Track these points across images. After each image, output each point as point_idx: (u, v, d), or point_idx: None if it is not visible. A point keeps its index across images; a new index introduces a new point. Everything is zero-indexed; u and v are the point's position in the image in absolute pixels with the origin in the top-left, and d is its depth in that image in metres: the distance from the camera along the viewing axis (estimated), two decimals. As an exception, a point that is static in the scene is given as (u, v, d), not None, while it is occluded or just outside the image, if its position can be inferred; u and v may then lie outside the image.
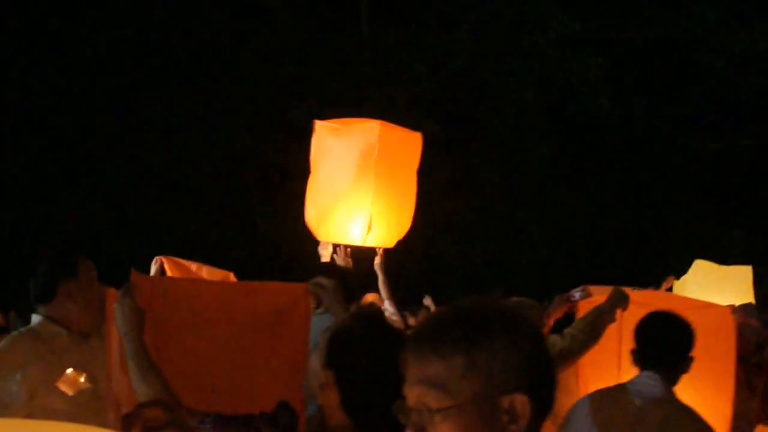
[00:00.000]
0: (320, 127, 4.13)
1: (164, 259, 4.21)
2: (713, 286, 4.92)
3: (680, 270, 5.37)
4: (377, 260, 3.99)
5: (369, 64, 11.82)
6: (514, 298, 3.61)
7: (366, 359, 1.78)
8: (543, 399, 1.17)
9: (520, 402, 1.14)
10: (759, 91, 11.45)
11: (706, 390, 3.08)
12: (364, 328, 1.86)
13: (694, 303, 3.75)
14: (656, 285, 4.92)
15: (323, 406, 1.82)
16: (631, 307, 3.05)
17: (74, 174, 10.86)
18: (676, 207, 12.37)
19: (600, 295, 3.27)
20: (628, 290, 3.14)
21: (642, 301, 3.11)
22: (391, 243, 4.07)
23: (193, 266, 4.32)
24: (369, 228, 3.89)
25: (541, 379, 1.18)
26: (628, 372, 3.02)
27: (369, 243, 3.96)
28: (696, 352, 3.08)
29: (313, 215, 4.04)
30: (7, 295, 4.85)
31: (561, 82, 11.70)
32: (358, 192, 3.95)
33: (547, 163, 11.88)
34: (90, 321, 2.76)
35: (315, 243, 4.11)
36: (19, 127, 10.63)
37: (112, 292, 2.43)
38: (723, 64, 11.58)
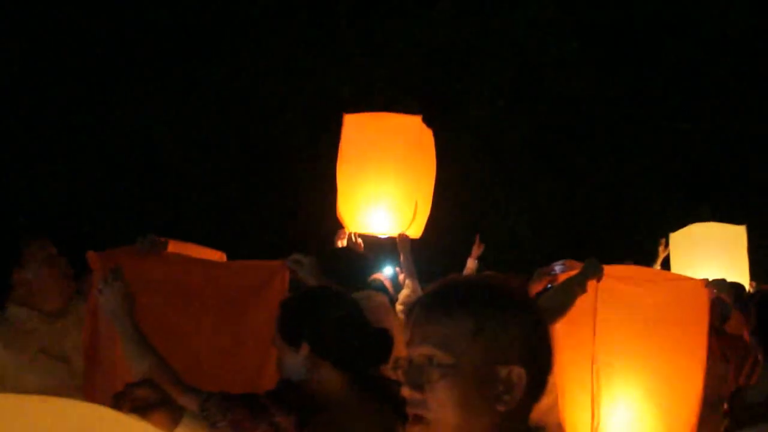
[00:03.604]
0: (351, 120, 4.20)
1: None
2: (709, 243, 5.00)
3: (653, 244, 5.46)
4: (401, 240, 4.06)
5: (348, 41, 11.76)
6: (488, 273, 3.64)
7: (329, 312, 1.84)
8: (538, 377, 1.21)
9: (517, 374, 1.18)
10: (730, 72, 11.59)
11: (679, 360, 3.12)
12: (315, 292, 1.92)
13: (669, 275, 3.81)
14: (632, 261, 4.99)
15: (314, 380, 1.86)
16: (607, 281, 3.07)
17: (52, 154, 10.73)
18: (649, 184, 12.52)
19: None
20: (604, 266, 3.16)
21: (617, 275, 3.14)
22: (420, 233, 4.19)
23: (191, 247, 4.31)
24: (414, 216, 4.01)
25: (539, 357, 1.22)
26: (603, 343, 3.05)
27: (411, 233, 4.07)
28: (670, 324, 3.13)
29: (345, 208, 4.13)
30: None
31: (536, 63, 11.73)
32: (399, 182, 4.06)
33: (523, 143, 11.94)
34: (56, 299, 2.74)
35: (304, 223, 4.21)
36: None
37: (93, 254, 2.41)
38: (694, 45, 11.68)
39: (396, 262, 4.86)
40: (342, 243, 4.13)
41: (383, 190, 4.14)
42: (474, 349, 1.18)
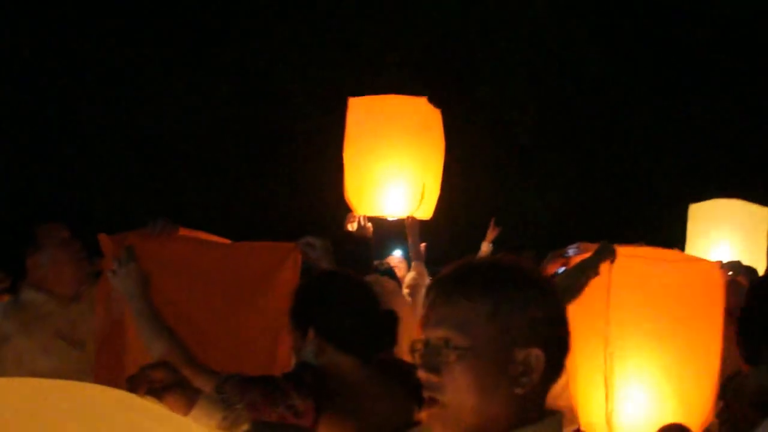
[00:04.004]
0: (356, 104, 4.19)
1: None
2: (729, 220, 4.91)
3: (666, 227, 5.38)
4: (409, 222, 4.05)
5: (357, 26, 11.68)
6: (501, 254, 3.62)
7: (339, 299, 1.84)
8: (556, 359, 1.20)
9: (535, 356, 1.16)
10: (742, 54, 11.42)
11: (695, 342, 3.10)
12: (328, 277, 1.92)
13: (684, 257, 3.77)
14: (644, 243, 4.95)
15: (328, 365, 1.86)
16: (621, 261, 3.04)
17: (63, 140, 10.77)
18: (665, 165, 12.41)
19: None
20: (617, 246, 3.13)
21: (631, 254, 3.11)
22: (429, 215, 4.18)
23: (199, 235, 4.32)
24: (422, 199, 4.00)
25: (557, 340, 1.21)
26: (616, 325, 3.03)
27: (420, 214, 4.06)
28: (685, 305, 3.10)
29: (354, 191, 4.13)
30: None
31: (550, 41, 11.62)
32: (406, 164, 4.05)
33: (536, 124, 11.86)
34: (71, 283, 2.76)
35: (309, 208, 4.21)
36: (5, 92, 10.47)
37: (104, 237, 2.42)
38: (709, 27, 11.52)
39: (404, 244, 4.86)
40: (352, 227, 4.12)
41: (390, 172, 4.13)
42: (491, 331, 1.16)
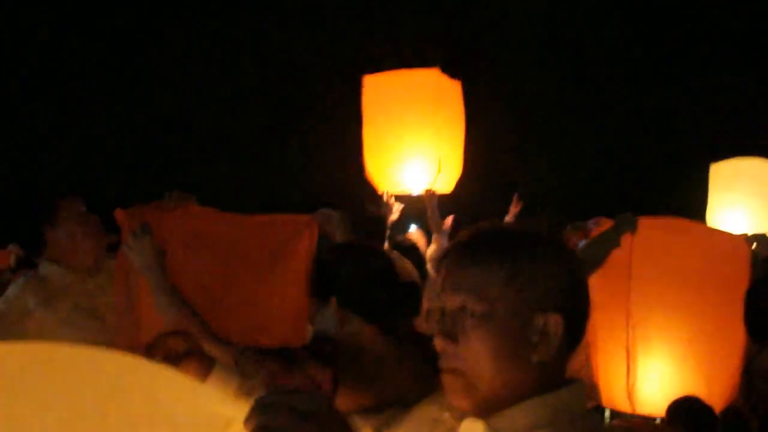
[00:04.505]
0: (371, 81, 4.17)
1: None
2: (751, 179, 4.82)
3: (692, 202, 5.29)
4: (428, 195, 4.01)
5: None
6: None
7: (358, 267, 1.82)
8: (576, 325, 1.16)
9: (554, 322, 1.13)
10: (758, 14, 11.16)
11: (718, 319, 3.04)
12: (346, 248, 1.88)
13: (708, 229, 3.70)
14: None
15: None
16: (643, 232, 2.99)
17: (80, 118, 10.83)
18: (684, 139, 12.23)
19: None
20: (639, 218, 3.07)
21: (654, 226, 3.05)
22: (450, 188, 4.15)
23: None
24: (439, 171, 3.97)
25: (576, 305, 1.17)
26: (638, 298, 2.98)
27: (439, 188, 4.03)
28: (708, 278, 3.04)
29: (375, 168, 4.12)
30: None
31: (567, 14, 11.45)
32: (424, 138, 4.03)
33: (553, 97, 11.75)
34: (89, 256, 2.77)
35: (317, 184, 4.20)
36: (22, 70, 10.53)
37: (120, 212, 2.42)
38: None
39: (421, 220, 4.82)
40: (374, 207, 4.09)
41: (407, 147, 4.11)
42: (509, 296, 1.13)
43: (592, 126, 12.05)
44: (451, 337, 1.15)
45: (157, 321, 2.18)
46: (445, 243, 3.95)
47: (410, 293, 1.94)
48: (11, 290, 2.81)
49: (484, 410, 1.14)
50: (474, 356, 1.13)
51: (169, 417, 0.83)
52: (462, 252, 1.19)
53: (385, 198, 4.05)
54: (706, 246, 3.13)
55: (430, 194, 4.03)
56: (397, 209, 4.04)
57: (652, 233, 3.03)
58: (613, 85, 12.08)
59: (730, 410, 2.96)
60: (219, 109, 11.20)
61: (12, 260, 5.34)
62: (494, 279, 1.14)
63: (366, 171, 4.21)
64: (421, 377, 1.81)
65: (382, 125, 4.19)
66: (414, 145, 4.11)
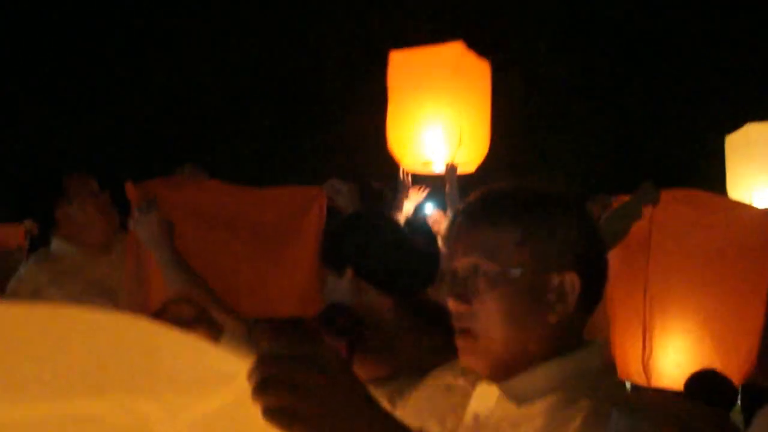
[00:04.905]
0: (397, 56, 4.14)
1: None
2: (765, 143, 4.75)
3: (713, 177, 5.21)
4: (448, 169, 3.94)
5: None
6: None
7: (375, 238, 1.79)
8: (593, 285, 1.12)
9: (570, 281, 1.10)
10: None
11: (737, 293, 2.98)
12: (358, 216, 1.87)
13: (729, 203, 3.62)
14: None
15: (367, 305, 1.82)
16: (664, 204, 2.92)
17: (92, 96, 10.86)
18: (702, 123, 12.08)
19: None
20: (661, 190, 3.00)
21: (675, 198, 2.98)
22: (473, 167, 4.10)
23: None
24: (460, 143, 3.92)
25: (593, 264, 1.13)
26: (657, 271, 2.92)
27: (462, 165, 3.98)
28: (729, 252, 2.97)
29: (396, 142, 4.09)
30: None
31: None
32: (446, 110, 3.99)
33: (571, 80, 11.64)
34: (100, 233, 2.77)
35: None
36: (35, 47, 10.55)
37: (130, 186, 2.41)
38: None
39: (438, 199, 4.75)
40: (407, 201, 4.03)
41: (429, 120, 4.06)
42: (522, 256, 1.10)
43: (612, 110, 11.93)
44: (464, 298, 1.12)
45: (167, 294, 2.16)
46: None
47: (428, 262, 1.90)
48: (23, 269, 2.82)
49: (500, 373, 1.12)
50: (487, 317, 1.11)
51: (169, 372, 0.80)
52: (472, 214, 1.16)
53: (401, 176, 3.99)
54: (728, 219, 3.06)
55: (449, 167, 3.95)
56: (414, 195, 3.97)
57: (673, 206, 2.97)
58: (629, 62, 11.94)
59: (749, 384, 2.91)
60: (234, 86, 11.18)
61: (25, 238, 5.34)
62: (506, 239, 1.11)
63: (388, 145, 4.17)
64: (436, 348, 1.78)
65: (406, 100, 4.16)
66: (436, 117, 4.06)
